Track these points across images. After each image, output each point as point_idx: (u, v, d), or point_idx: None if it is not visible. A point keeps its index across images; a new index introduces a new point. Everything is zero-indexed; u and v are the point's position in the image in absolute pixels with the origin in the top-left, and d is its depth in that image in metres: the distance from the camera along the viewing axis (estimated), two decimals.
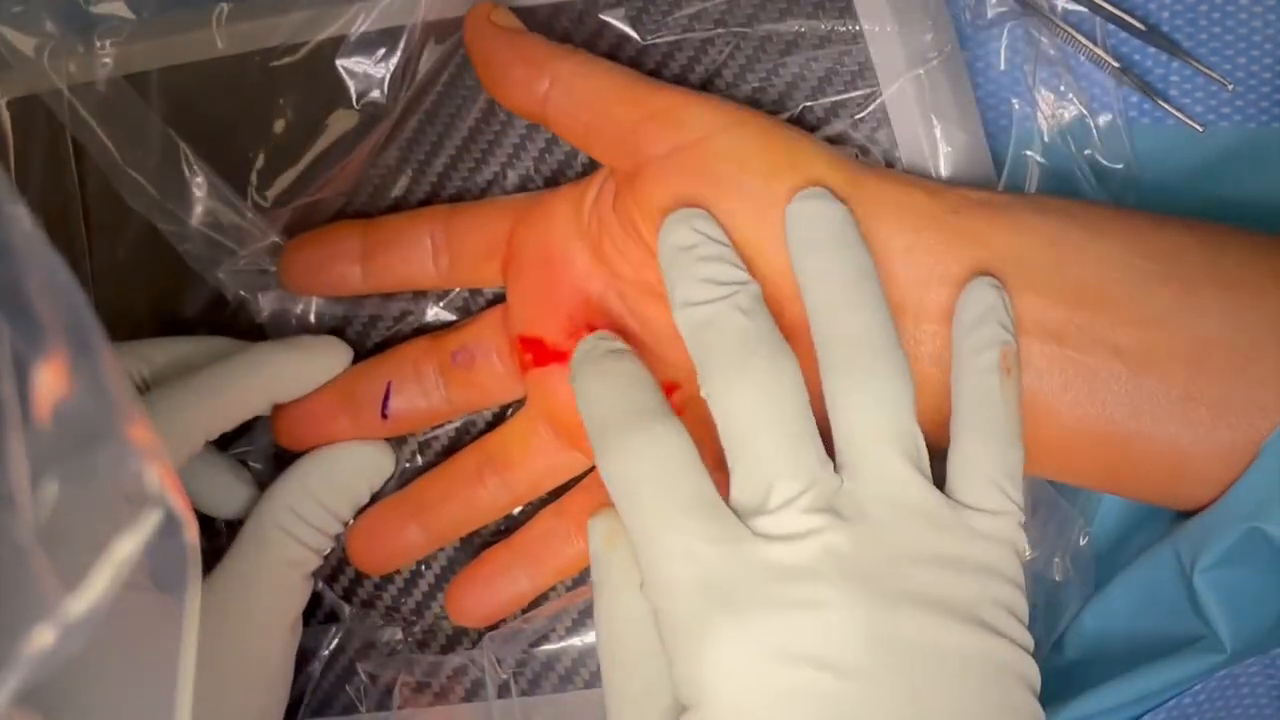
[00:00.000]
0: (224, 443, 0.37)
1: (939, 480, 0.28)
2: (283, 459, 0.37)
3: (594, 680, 0.37)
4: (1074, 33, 0.35)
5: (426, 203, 0.37)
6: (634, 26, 0.34)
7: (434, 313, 0.37)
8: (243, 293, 0.37)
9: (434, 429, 0.37)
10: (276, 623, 0.35)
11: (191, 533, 0.19)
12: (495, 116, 0.36)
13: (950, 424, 0.29)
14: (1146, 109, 0.36)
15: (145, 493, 0.19)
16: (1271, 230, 0.32)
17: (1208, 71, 0.35)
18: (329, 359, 0.36)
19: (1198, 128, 0.35)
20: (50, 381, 0.18)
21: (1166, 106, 0.35)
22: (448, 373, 0.36)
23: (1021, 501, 0.28)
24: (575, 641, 0.37)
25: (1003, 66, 0.35)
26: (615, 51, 0.34)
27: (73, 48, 0.35)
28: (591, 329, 0.33)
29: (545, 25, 0.34)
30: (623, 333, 0.33)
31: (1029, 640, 0.28)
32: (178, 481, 0.19)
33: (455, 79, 0.36)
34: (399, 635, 0.38)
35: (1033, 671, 0.28)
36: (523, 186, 0.36)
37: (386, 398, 0.36)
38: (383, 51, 0.34)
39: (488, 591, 0.36)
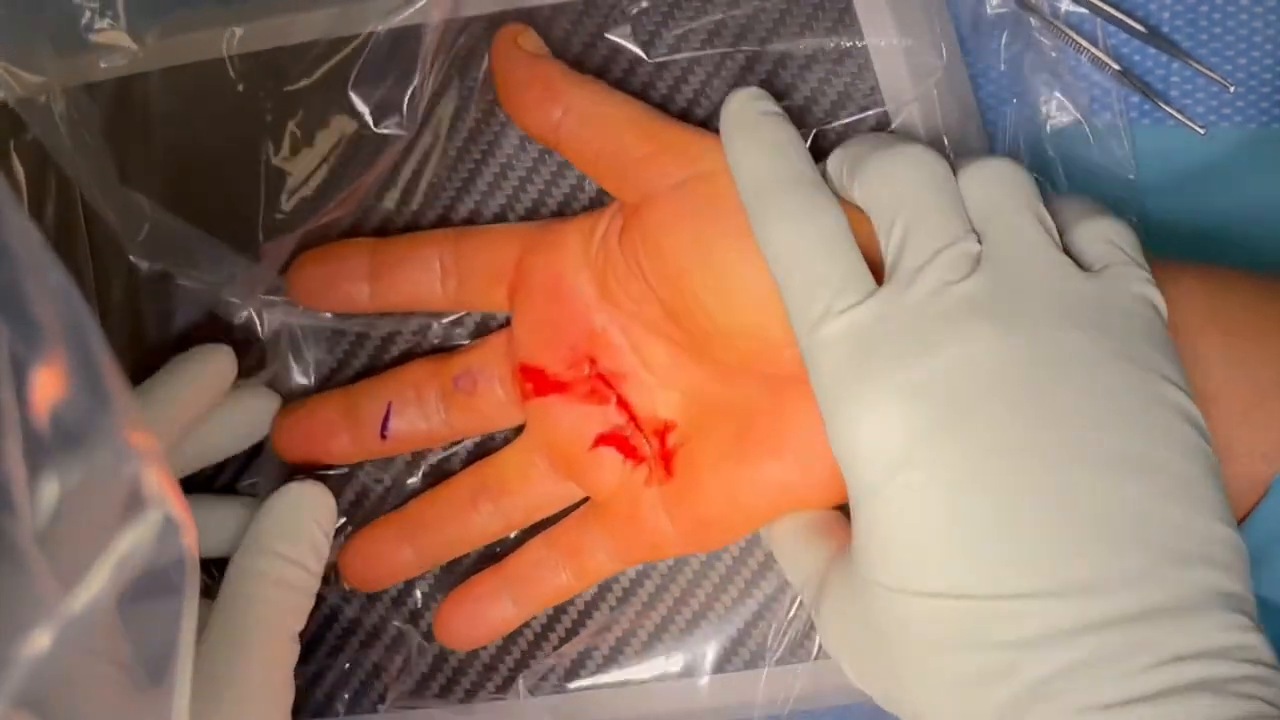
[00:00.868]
0: (233, 476, 0.37)
1: None
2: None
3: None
4: (1074, 34, 0.35)
5: (438, 226, 0.37)
6: (644, 48, 0.34)
7: (439, 329, 0.37)
8: (246, 315, 0.37)
9: (444, 451, 0.37)
10: (274, 673, 0.34)
11: (190, 536, 0.19)
12: (508, 140, 0.36)
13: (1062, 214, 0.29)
14: (1147, 110, 0.36)
15: (143, 495, 0.19)
16: (1273, 230, 0.32)
17: (1208, 72, 0.35)
18: (216, 366, 0.36)
19: (1199, 130, 0.35)
20: (48, 383, 0.18)
21: (1167, 108, 0.35)
22: (449, 396, 0.36)
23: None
24: (608, 678, 0.37)
25: (1002, 67, 0.35)
26: (625, 76, 0.34)
27: (72, 77, 0.35)
28: (593, 362, 0.34)
29: (545, 27, 0.34)
30: (622, 368, 0.34)
31: (1188, 387, 0.27)
32: (176, 485, 0.19)
33: (467, 104, 0.36)
34: (406, 629, 0.38)
35: (1196, 415, 0.27)
36: (534, 211, 0.36)
37: (386, 418, 0.36)
38: (396, 76, 0.34)
39: (476, 615, 0.36)
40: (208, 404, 0.35)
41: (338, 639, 0.38)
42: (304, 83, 0.35)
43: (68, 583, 0.18)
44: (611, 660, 0.37)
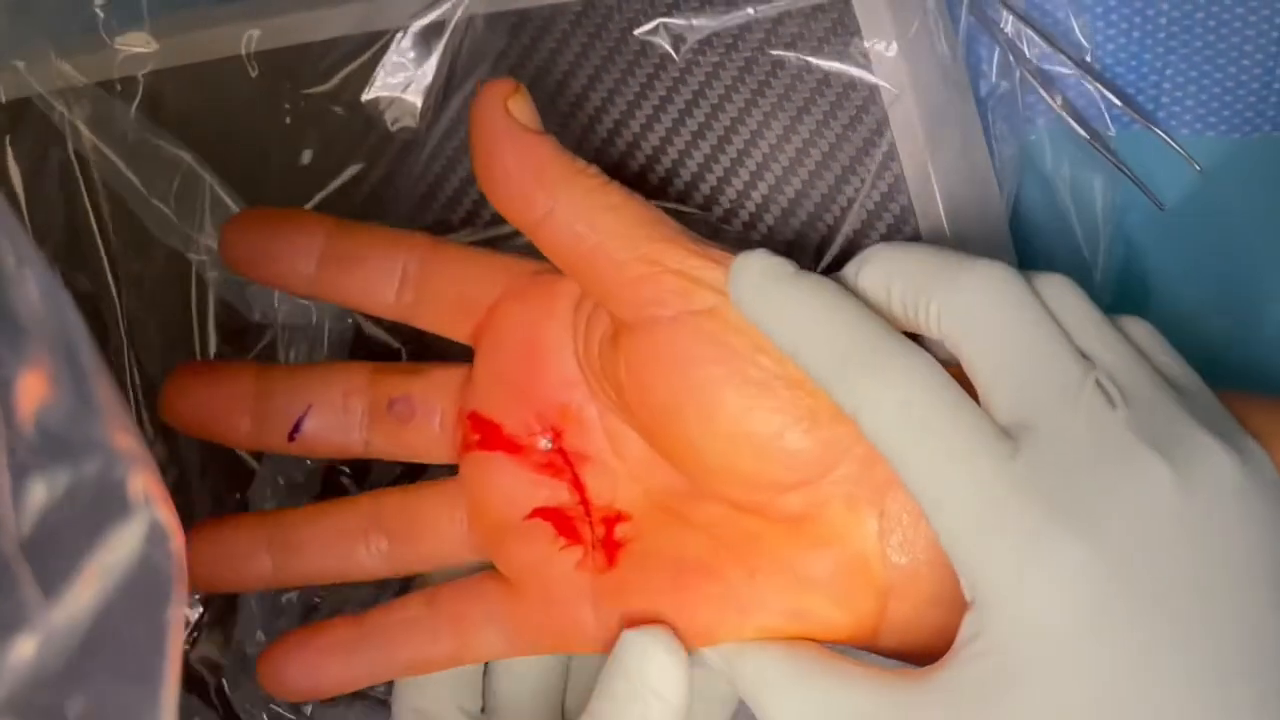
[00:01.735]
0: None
1: None
2: None
3: None
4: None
5: (447, 223, 0.35)
6: (674, 45, 0.33)
7: None
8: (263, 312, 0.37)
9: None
10: None
11: (178, 542, 0.19)
12: (547, 122, 0.35)
13: None
14: (1125, 122, 0.36)
15: (130, 502, 0.18)
16: (1251, 241, 0.31)
17: (1175, 146, 0.35)
18: None
19: (1160, 205, 0.35)
20: (33, 389, 0.18)
21: (1130, 175, 0.35)
22: (378, 417, 0.32)
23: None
24: None
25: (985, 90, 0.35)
26: (656, 72, 0.34)
27: (91, 75, 0.35)
28: (558, 436, 0.31)
29: (544, 28, 0.34)
30: (588, 450, 0.31)
31: None
32: (164, 491, 0.19)
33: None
34: None
35: None
36: None
37: (301, 420, 0.32)
38: (417, 74, 0.34)
39: (318, 666, 0.32)
40: None
41: None
42: (324, 84, 0.35)
43: (52, 591, 0.17)
44: None
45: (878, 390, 0.26)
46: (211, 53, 0.35)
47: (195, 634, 0.37)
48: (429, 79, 0.34)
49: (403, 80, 0.34)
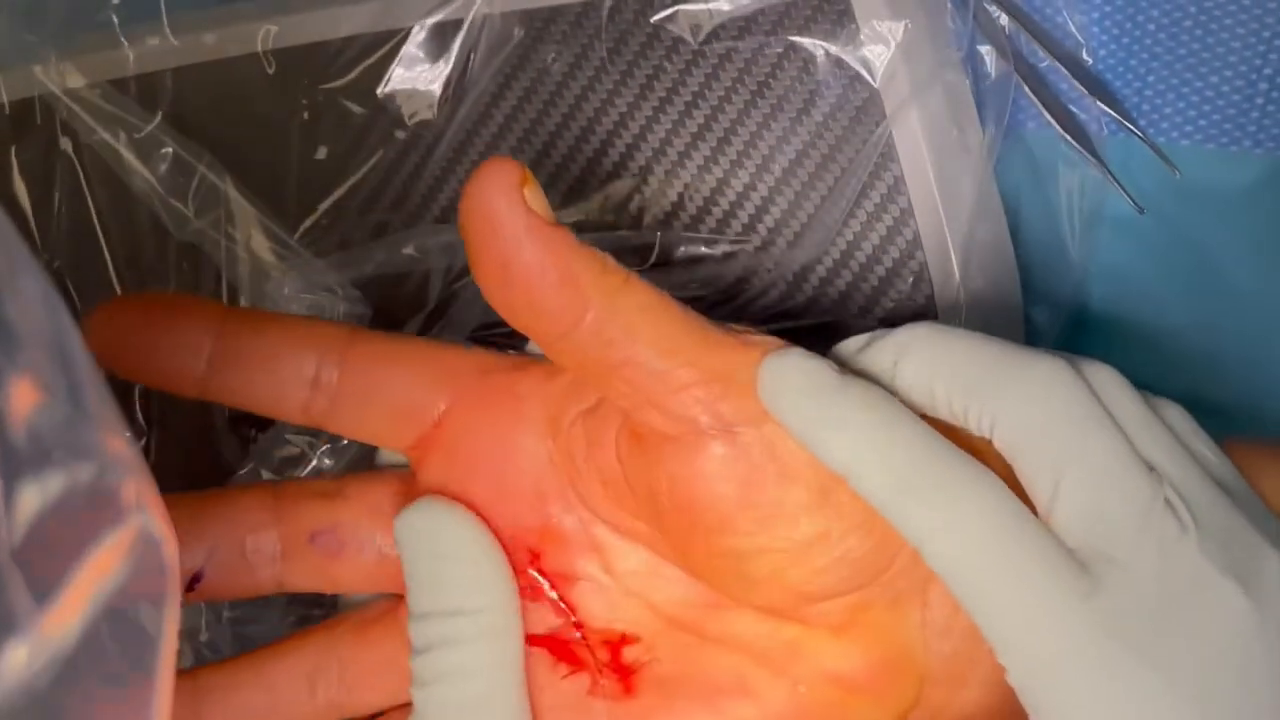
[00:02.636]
0: None
1: None
2: None
3: None
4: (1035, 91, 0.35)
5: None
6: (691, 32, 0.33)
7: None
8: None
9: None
10: None
11: (171, 548, 0.19)
12: (549, 119, 0.35)
13: None
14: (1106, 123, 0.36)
15: (123, 508, 0.18)
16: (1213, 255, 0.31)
17: (1155, 150, 0.35)
18: None
19: (1138, 209, 0.35)
20: (25, 394, 0.18)
21: (1116, 183, 0.35)
22: (297, 552, 0.28)
23: None
24: None
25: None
26: (662, 64, 0.33)
27: (110, 79, 0.35)
28: (536, 557, 0.28)
29: (544, 28, 0.34)
30: (574, 570, 0.28)
31: None
32: (158, 497, 0.19)
33: (499, 97, 0.35)
34: None
35: None
36: (590, 213, 0.34)
37: (198, 574, 0.28)
38: (431, 71, 0.34)
39: None
40: None
41: None
42: (340, 79, 0.35)
43: (44, 598, 0.17)
44: None
45: (944, 520, 0.24)
46: (228, 50, 0.35)
47: None
48: (446, 72, 0.34)
49: (419, 74, 0.34)
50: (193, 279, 0.37)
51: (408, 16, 0.34)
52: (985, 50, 0.35)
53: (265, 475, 0.36)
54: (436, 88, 0.34)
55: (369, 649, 0.29)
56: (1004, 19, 0.35)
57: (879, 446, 0.24)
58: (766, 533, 0.25)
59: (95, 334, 0.27)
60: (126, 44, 0.35)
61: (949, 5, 0.34)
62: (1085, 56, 0.35)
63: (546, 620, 0.28)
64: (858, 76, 0.32)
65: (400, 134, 0.35)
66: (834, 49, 0.33)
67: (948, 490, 0.24)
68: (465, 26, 0.33)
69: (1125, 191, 0.35)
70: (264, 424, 0.37)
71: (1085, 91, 0.35)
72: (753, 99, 0.33)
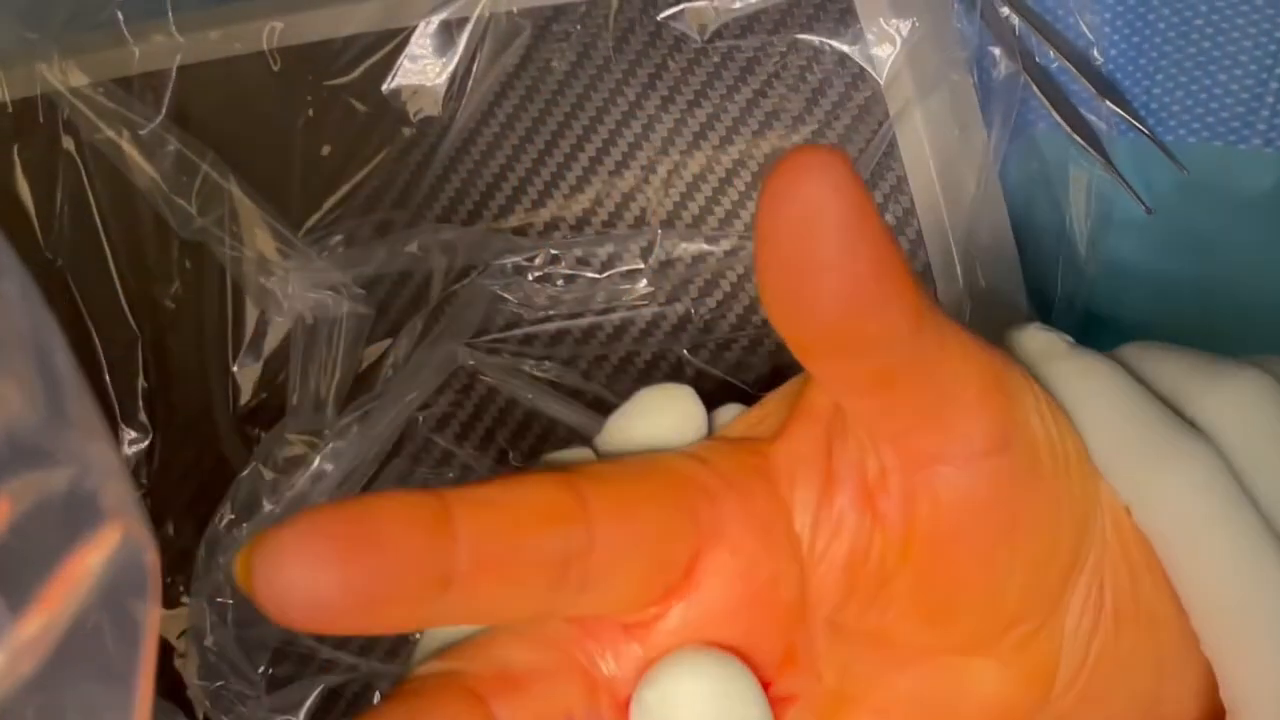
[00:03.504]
0: None
1: None
2: None
3: None
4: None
5: (463, 219, 0.35)
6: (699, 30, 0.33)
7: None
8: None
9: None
10: None
11: (151, 554, 0.19)
12: (552, 116, 0.35)
13: None
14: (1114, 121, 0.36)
15: (102, 513, 0.18)
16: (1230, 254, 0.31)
17: (1162, 148, 0.35)
18: None
19: (1146, 209, 0.35)
20: (4, 398, 0.17)
21: (1125, 185, 0.35)
22: None
23: None
24: None
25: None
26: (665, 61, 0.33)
27: (115, 77, 0.35)
28: (768, 686, 0.24)
29: (544, 28, 0.34)
30: (797, 687, 0.25)
31: None
32: (138, 501, 0.19)
33: (503, 95, 0.35)
34: None
35: None
36: (566, 210, 0.35)
37: None
38: (436, 69, 0.34)
39: None
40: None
41: None
42: (346, 76, 0.35)
43: (21, 603, 0.17)
44: None
45: (1161, 479, 0.23)
46: (233, 48, 0.35)
47: None
48: (451, 69, 0.34)
49: (425, 71, 0.34)
50: (196, 278, 0.37)
51: (413, 14, 0.34)
52: (995, 50, 0.35)
53: (267, 475, 0.36)
54: (441, 84, 0.34)
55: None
56: (1014, 19, 0.35)
57: (1104, 407, 0.24)
58: (1048, 552, 0.24)
59: (262, 589, 0.19)
60: (131, 41, 0.35)
61: (956, 5, 0.33)
62: (1096, 56, 0.35)
63: None
64: (861, 75, 0.32)
65: (406, 131, 0.35)
66: (840, 47, 0.32)
67: (1168, 454, 0.24)
68: (471, 23, 0.34)
69: (1134, 193, 0.35)
70: (269, 424, 0.37)
71: (1095, 92, 0.35)
72: (756, 97, 0.33)
